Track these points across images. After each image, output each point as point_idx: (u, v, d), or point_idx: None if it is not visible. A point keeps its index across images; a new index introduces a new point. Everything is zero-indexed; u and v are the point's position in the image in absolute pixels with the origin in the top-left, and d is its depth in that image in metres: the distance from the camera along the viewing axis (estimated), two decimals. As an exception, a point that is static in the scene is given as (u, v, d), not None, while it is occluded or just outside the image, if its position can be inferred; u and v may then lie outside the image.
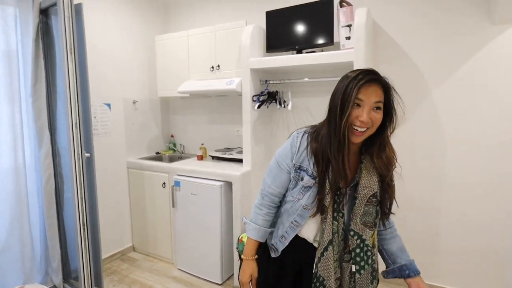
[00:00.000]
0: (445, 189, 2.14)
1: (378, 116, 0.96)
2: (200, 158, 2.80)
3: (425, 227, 2.22)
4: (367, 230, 1.03)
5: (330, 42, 2.10)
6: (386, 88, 0.97)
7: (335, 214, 1.03)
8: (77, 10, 2.02)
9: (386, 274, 1.17)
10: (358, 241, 1.04)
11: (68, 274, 2.42)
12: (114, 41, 2.75)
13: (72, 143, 1.98)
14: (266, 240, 1.25)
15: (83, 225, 2.04)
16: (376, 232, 1.07)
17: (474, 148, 2.04)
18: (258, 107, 2.29)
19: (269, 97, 2.40)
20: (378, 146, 1.01)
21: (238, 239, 2.22)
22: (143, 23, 3.00)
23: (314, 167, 1.04)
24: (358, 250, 1.04)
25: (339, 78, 1.01)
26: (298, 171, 1.09)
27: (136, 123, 3.00)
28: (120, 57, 2.81)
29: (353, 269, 1.05)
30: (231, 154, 2.62)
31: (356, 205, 1.02)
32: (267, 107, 2.44)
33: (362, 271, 1.05)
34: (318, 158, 1.03)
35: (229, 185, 2.30)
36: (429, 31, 2.09)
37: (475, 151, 2.03)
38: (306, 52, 2.20)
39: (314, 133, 1.07)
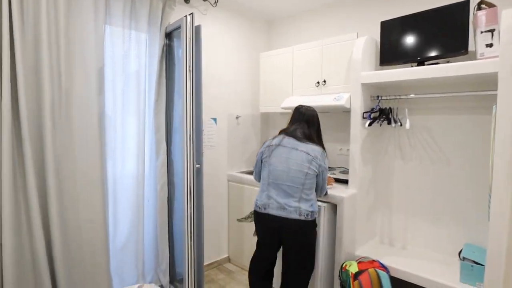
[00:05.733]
0: None
1: None
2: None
3: None
4: None
5: (464, 51, 1.81)
6: None
7: None
8: (196, 32, 2.18)
9: None
10: None
11: (173, 276, 2.58)
12: (221, 59, 2.91)
13: (186, 154, 2.12)
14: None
15: (191, 232, 2.14)
16: None
17: None
18: (370, 124, 2.11)
19: (380, 114, 2.19)
20: None
21: (342, 266, 2.05)
22: (248, 41, 3.13)
23: None
24: None
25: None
26: None
27: (238, 137, 3.10)
28: (226, 74, 2.96)
29: None
30: (333, 173, 2.47)
31: None
32: (380, 125, 2.24)
33: None
34: None
35: (332, 207, 2.15)
36: None
37: None
38: (428, 64, 1.94)
39: None
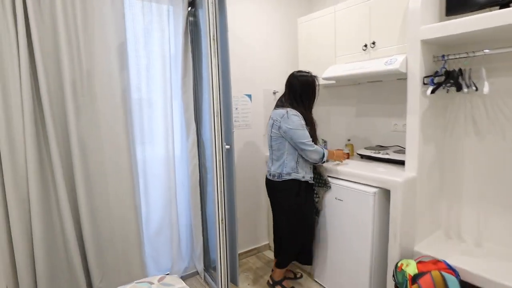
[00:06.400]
0: None
1: None
2: (347, 156, 2.37)
3: None
4: None
5: None
6: None
7: None
8: (220, -1, 1.92)
9: None
10: None
11: (208, 263, 2.46)
12: (255, 30, 2.62)
13: (213, 133, 1.91)
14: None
15: (222, 218, 1.96)
16: None
17: None
18: (433, 91, 1.68)
19: (447, 78, 1.75)
20: None
21: (397, 266, 1.70)
22: (284, 8, 2.77)
23: None
24: None
25: None
26: None
27: (276, 115, 2.82)
28: (261, 46, 2.67)
29: None
30: (387, 153, 2.09)
31: None
32: (447, 91, 1.79)
33: None
34: None
35: (385, 193, 1.80)
36: None
37: None
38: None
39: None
